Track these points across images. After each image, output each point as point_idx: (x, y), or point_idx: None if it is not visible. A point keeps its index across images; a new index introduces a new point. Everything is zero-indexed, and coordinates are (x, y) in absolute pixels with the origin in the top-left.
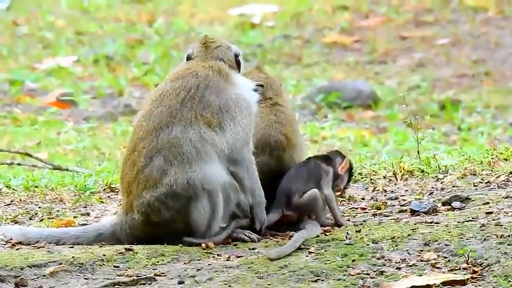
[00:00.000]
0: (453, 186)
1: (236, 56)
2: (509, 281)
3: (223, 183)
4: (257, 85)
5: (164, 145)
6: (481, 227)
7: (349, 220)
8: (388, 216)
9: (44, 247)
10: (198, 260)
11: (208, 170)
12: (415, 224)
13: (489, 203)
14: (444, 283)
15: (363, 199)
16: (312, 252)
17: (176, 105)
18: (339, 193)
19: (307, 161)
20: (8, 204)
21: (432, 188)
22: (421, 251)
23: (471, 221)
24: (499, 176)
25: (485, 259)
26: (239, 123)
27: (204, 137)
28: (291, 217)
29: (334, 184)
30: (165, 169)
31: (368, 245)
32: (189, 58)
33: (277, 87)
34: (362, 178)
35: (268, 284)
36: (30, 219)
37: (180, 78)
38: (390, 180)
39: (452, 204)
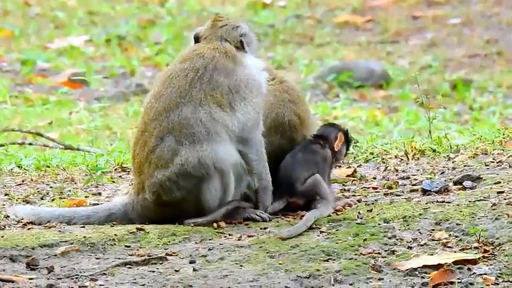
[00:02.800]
0: (464, 166)
1: (241, 35)
2: None
3: (234, 163)
4: None
5: (175, 126)
6: (492, 206)
7: (359, 200)
8: (400, 195)
9: (55, 227)
10: (210, 239)
11: (219, 149)
12: (426, 204)
13: (500, 182)
14: (455, 262)
15: (375, 178)
16: (323, 232)
17: (185, 85)
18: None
19: (303, 146)
20: (20, 184)
21: (443, 167)
22: (433, 230)
23: (482, 200)
24: (511, 155)
25: (497, 238)
26: (250, 103)
27: (214, 117)
28: (296, 203)
29: (334, 159)
30: (177, 149)
31: (379, 224)
32: (196, 37)
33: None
34: (374, 158)
35: (280, 264)
36: (42, 199)
37: (188, 60)
38: (402, 159)
39: (463, 183)
